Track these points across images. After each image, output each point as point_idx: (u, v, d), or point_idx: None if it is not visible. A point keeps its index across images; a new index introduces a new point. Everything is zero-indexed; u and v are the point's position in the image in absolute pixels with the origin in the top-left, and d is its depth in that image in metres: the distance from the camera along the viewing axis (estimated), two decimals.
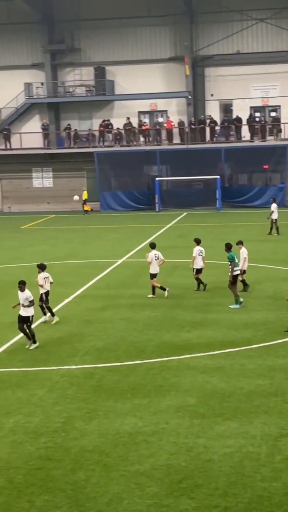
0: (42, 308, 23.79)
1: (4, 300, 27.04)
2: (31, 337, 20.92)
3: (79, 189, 62.20)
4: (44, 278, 23.73)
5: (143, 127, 61.70)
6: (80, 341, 21.52)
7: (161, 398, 16.63)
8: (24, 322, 20.77)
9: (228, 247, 25.32)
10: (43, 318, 23.94)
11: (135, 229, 47.51)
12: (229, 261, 25.04)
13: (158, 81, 61.85)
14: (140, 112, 62.99)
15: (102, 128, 61.60)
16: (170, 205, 59.08)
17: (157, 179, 58.64)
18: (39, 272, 23.79)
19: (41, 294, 23.63)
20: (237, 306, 24.90)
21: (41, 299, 23.53)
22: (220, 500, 12.00)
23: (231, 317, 23.70)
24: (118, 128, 61.51)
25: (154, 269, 26.70)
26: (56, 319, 23.85)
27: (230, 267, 24.95)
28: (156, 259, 26.72)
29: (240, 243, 27.04)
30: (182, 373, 18.33)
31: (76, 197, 25.93)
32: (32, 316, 20.88)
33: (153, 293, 26.79)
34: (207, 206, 58.42)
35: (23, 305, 20.72)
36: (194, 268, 27.56)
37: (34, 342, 20.92)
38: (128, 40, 62.09)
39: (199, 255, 27.33)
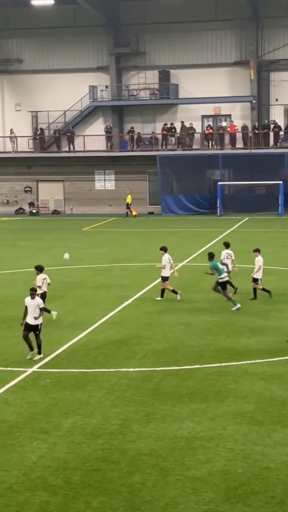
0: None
1: (63, 301, 27.27)
2: (37, 347, 20.05)
3: (141, 192, 62.45)
4: (43, 279, 24.19)
5: (207, 131, 61.58)
6: (139, 344, 21.54)
7: (219, 403, 16.55)
8: (32, 330, 19.91)
9: (211, 256, 25.76)
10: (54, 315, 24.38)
11: (196, 233, 47.42)
12: (213, 269, 25.57)
13: (223, 85, 61.69)
14: (204, 116, 62.91)
15: (165, 132, 61.68)
16: (232, 210, 58.87)
17: (219, 183, 58.50)
18: (37, 274, 24.23)
19: (38, 294, 23.93)
20: (239, 305, 25.35)
21: None
22: (276, 508, 11.88)
23: None
24: (181, 132, 61.53)
25: (166, 272, 27.00)
26: (54, 314, 24.30)
27: (217, 274, 25.43)
28: (169, 262, 27.06)
29: (256, 250, 26.97)
30: (240, 379, 18.22)
31: (66, 256, 27.35)
32: (41, 324, 20.13)
33: (162, 296, 27.15)
34: (269, 211, 58.06)
35: (34, 315, 19.90)
36: None
37: (39, 352, 20.08)
38: (194, 44, 62.06)
39: (227, 258, 27.56)
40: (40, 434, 15.03)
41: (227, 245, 28.15)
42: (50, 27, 63.57)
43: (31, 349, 20.11)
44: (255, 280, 26.67)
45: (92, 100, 63.23)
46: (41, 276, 24.21)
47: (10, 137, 64.46)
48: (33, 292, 20.26)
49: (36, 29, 63.96)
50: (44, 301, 23.68)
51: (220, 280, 25.47)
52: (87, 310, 25.83)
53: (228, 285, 25.94)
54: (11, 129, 64.55)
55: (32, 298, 20.11)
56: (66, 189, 64.96)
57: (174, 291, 27.00)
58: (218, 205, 58.53)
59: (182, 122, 61.50)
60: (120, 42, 63.02)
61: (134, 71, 63.73)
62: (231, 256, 27.74)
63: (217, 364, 19.42)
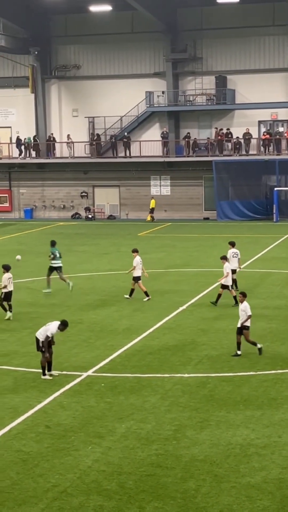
0: (3, 306, 25.15)
1: (119, 306, 27.37)
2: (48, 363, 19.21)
3: (196, 198, 62.35)
4: (8, 278, 25.11)
5: (263, 137, 61.24)
6: (194, 350, 21.51)
7: (274, 411, 16.43)
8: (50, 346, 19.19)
9: (53, 243, 29.71)
10: (8, 315, 25.15)
11: (251, 239, 47.15)
12: (51, 254, 29.28)
13: (280, 90, 61.26)
14: (260, 122, 62.55)
15: (220, 137, 61.46)
16: None
17: (275, 189, 58.09)
18: (4, 273, 25.19)
19: (3, 293, 24.95)
20: (49, 290, 29.06)
21: (2, 297, 24.93)
22: None
23: None
24: (237, 137, 61.30)
25: (137, 272, 28.31)
26: (9, 314, 25.12)
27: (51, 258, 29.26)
28: (140, 263, 28.51)
29: (224, 258, 27.52)
30: None
31: (18, 257, 29.37)
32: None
33: (130, 295, 28.35)
34: None
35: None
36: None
37: (50, 369, 19.26)
38: (251, 49, 61.74)
39: (233, 257, 28.41)
40: (94, 438, 15.10)
41: (233, 244, 28.97)
42: (108, 33, 63.85)
43: (48, 370, 19.18)
44: (225, 287, 26.96)
45: (148, 105, 63.31)
46: (7, 275, 25.14)
47: (67, 143, 64.93)
48: (64, 327, 18.89)
49: (94, 36, 64.32)
50: (10, 299, 25.10)
51: (51, 265, 29.17)
52: (142, 315, 25.88)
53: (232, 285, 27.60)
54: (68, 135, 64.99)
55: (62, 330, 18.96)
56: (122, 194, 65.15)
57: (132, 292, 28.29)
58: (274, 211, 58.13)
59: (227, 129, 61.17)
60: (177, 48, 63.01)
61: (191, 77, 63.63)
62: (237, 255, 28.76)
63: (273, 371, 19.29)
